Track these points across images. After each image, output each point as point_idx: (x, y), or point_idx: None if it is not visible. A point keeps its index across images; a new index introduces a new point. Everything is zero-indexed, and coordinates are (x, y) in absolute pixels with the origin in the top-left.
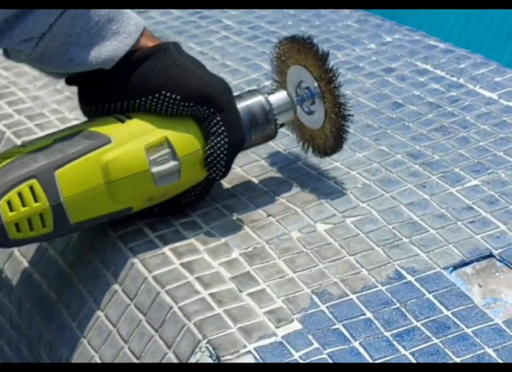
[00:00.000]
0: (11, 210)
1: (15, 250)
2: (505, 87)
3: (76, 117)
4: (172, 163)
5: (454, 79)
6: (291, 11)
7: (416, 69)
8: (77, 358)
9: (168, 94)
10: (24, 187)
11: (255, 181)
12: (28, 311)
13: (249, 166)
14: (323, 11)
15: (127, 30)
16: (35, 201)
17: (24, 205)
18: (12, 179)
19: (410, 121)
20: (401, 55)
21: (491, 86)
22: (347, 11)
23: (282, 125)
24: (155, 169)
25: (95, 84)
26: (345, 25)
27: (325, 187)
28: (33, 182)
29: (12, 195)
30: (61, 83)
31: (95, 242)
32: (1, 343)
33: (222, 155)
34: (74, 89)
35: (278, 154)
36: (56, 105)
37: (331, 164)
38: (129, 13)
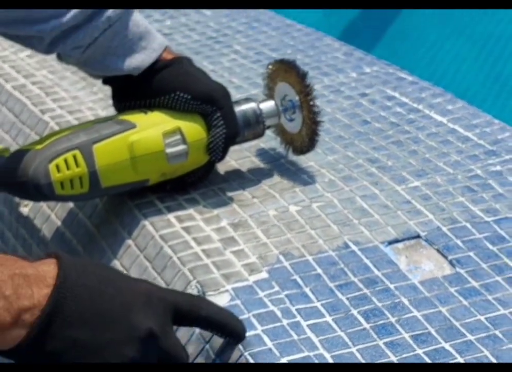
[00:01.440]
0: (58, 171)
1: (52, 214)
2: (454, 113)
3: (107, 113)
4: (182, 146)
5: (415, 105)
6: (291, 42)
7: (385, 95)
8: None
9: (181, 94)
10: (69, 156)
11: (246, 171)
12: None
13: (242, 160)
14: (317, 44)
15: (153, 47)
16: (77, 166)
17: (68, 169)
18: (60, 149)
19: (374, 135)
20: (375, 83)
21: (443, 112)
22: (336, 45)
23: (268, 127)
24: (168, 150)
25: (126, 86)
26: (333, 56)
27: (299, 180)
28: (76, 152)
29: (60, 160)
30: (96, 87)
31: (116, 208)
32: None
33: (220, 143)
34: (107, 92)
35: (266, 153)
36: (92, 103)
37: (306, 162)
38: (156, 34)
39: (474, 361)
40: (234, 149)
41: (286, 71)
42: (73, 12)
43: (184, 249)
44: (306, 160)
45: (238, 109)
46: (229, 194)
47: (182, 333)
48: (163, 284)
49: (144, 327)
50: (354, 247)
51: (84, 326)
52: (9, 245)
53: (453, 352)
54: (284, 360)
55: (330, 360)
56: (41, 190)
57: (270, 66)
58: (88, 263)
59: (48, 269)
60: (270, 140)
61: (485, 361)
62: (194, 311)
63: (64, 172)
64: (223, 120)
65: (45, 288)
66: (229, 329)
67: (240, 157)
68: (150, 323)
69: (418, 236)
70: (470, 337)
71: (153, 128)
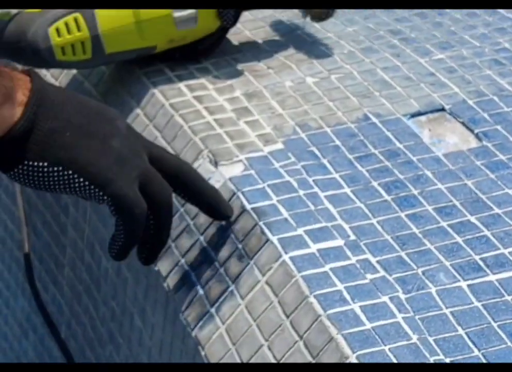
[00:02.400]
0: (59, 35)
1: (55, 83)
2: None
3: None
4: (190, 10)
5: None
6: None
7: None
8: None
9: None
10: (69, 19)
11: (260, 41)
12: None
13: (256, 30)
14: None
15: None
16: (78, 30)
17: (69, 33)
18: (60, 11)
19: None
20: None
21: None
22: None
23: None
24: (176, 14)
25: None
26: None
27: (317, 51)
28: (78, 15)
29: (60, 23)
30: None
31: (124, 77)
32: None
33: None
34: None
35: (281, 23)
36: None
37: (325, 34)
38: None
39: (502, 235)
40: (248, 18)
41: None
42: None
43: (196, 119)
44: (325, 32)
45: None
46: (243, 64)
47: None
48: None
49: (124, 125)
50: (374, 119)
51: (74, 111)
52: None
53: (480, 225)
54: (300, 230)
55: (349, 232)
56: (40, 55)
57: None
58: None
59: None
60: (285, 11)
61: None
62: (175, 164)
63: (65, 36)
64: None
65: (27, 82)
66: (215, 202)
67: (254, 27)
68: (126, 122)
69: (442, 109)
70: (497, 210)
71: None
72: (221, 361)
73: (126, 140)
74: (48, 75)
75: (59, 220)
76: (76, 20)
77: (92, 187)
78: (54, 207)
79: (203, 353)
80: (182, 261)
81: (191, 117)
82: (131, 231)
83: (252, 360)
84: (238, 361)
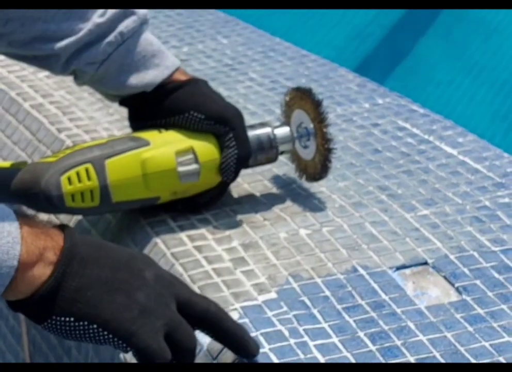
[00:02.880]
0: (70, 184)
1: None
2: (464, 146)
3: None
4: (194, 166)
5: (426, 136)
6: (306, 72)
7: (397, 126)
8: None
9: (195, 114)
10: (81, 169)
11: (258, 195)
12: None
13: (254, 184)
14: (331, 74)
15: (165, 64)
16: (89, 180)
17: (79, 182)
18: (73, 162)
19: (384, 163)
20: (387, 114)
21: (453, 144)
22: (350, 76)
23: (282, 153)
24: (180, 169)
25: (141, 106)
26: (347, 87)
27: (311, 204)
28: (89, 166)
29: (72, 173)
30: (112, 108)
31: (129, 225)
32: None
33: (232, 164)
34: (123, 113)
35: (279, 178)
36: (108, 124)
37: (318, 188)
38: (168, 53)
39: None
40: (247, 172)
41: (301, 98)
42: (87, 28)
43: (195, 267)
44: (318, 186)
45: (253, 133)
46: (241, 215)
47: None
48: None
49: (152, 275)
50: (362, 271)
51: (102, 266)
52: None
53: None
54: None
55: None
56: (52, 202)
57: (287, 94)
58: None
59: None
60: (282, 166)
61: None
62: (202, 307)
63: (75, 184)
64: (235, 141)
65: (59, 240)
66: (241, 341)
67: (253, 180)
68: (154, 270)
69: (425, 263)
70: (474, 361)
71: (166, 146)
72: None
73: (153, 291)
74: (57, 223)
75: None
76: (87, 170)
77: (116, 339)
78: (58, 349)
79: None
80: None
81: (191, 265)
82: None
83: None
84: None
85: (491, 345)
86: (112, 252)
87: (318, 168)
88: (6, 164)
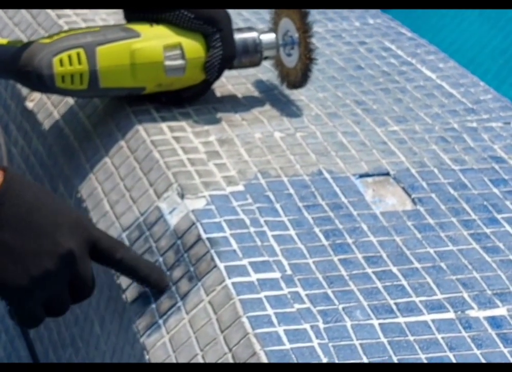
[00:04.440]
0: (61, 65)
1: (54, 111)
2: (444, 71)
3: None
4: (180, 61)
5: (409, 59)
6: None
7: (382, 46)
8: (84, 188)
9: (185, 13)
10: (73, 53)
11: (240, 96)
12: (55, 154)
13: (238, 86)
14: None
15: None
16: (79, 63)
17: (70, 65)
18: (66, 45)
19: (365, 80)
20: (375, 34)
21: (433, 68)
22: None
23: (266, 58)
24: (167, 63)
25: None
26: None
27: (288, 110)
28: (80, 50)
29: (64, 55)
30: None
31: (114, 112)
32: (29, 177)
33: (216, 63)
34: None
35: (262, 83)
36: (106, 15)
37: (298, 96)
38: None
39: (416, 285)
40: (232, 74)
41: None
42: None
43: (171, 155)
44: (298, 94)
45: (239, 36)
46: (221, 113)
47: None
48: (147, 185)
49: (66, 246)
50: (327, 175)
51: (15, 233)
52: (11, 136)
53: (399, 275)
54: (245, 261)
55: (286, 267)
56: (42, 81)
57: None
58: (32, 183)
59: None
60: (267, 72)
61: (426, 287)
62: (110, 252)
63: (66, 66)
64: (222, 42)
65: None
66: (146, 278)
67: (237, 82)
68: (72, 245)
69: (387, 174)
70: (417, 264)
71: (155, 40)
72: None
73: (60, 262)
74: (48, 103)
75: None
76: (78, 54)
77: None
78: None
79: (147, 357)
80: None
81: (167, 153)
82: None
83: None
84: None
85: (435, 252)
86: (41, 216)
87: (299, 76)
88: (3, 41)
